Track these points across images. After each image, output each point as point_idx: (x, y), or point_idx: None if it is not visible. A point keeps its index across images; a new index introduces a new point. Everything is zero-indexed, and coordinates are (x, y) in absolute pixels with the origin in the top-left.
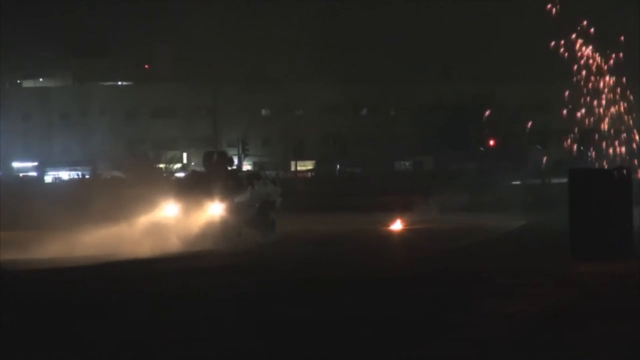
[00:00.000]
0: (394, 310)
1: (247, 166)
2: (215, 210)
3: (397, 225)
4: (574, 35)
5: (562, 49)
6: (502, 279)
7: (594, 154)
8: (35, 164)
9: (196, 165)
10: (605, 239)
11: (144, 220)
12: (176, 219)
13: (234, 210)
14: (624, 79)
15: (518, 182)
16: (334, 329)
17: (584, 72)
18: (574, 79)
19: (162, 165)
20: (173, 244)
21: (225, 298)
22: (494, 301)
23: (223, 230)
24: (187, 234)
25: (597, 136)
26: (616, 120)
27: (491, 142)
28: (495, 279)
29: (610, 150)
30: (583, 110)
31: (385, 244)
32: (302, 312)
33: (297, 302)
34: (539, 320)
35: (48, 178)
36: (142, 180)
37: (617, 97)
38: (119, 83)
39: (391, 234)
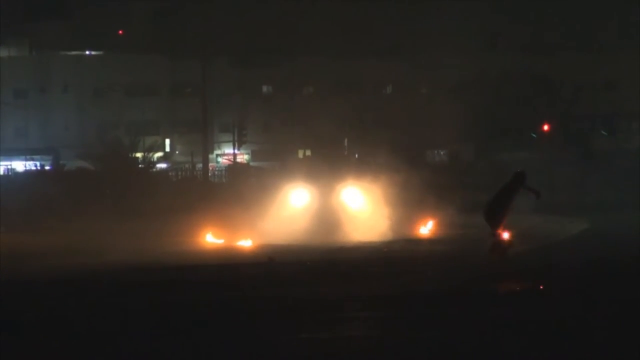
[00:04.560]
0: None
1: (244, 155)
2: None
3: (426, 230)
4: None
5: None
6: None
7: None
8: None
9: (180, 155)
10: None
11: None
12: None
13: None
14: None
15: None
16: None
17: None
18: None
19: (139, 155)
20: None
21: None
22: None
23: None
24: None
25: None
26: None
27: (545, 127)
28: None
29: None
30: None
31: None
32: None
33: None
34: None
35: None
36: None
37: None
38: (87, 53)
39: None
